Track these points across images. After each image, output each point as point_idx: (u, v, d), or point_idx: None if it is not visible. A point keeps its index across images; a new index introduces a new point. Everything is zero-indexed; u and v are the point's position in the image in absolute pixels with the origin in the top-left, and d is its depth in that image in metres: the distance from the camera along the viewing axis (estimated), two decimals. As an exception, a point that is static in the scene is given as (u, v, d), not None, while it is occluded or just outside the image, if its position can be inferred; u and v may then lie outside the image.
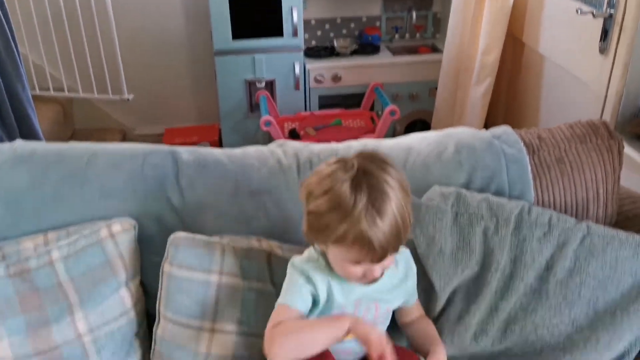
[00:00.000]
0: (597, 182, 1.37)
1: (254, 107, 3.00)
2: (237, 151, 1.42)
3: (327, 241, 1.02)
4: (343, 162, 1.03)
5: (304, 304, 1.07)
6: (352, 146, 1.43)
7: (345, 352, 1.12)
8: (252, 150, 1.43)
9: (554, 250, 1.22)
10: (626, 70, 1.92)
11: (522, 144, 1.40)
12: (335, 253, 1.03)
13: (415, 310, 1.23)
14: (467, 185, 1.34)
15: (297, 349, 1.02)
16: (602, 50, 2.00)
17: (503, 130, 1.45)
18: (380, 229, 0.97)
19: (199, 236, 1.22)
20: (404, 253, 1.20)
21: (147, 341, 1.30)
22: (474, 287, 1.24)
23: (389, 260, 1.03)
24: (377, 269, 1.03)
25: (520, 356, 1.22)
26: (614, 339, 1.17)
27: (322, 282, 1.08)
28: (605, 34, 1.98)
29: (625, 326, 1.17)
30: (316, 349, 1.03)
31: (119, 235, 1.23)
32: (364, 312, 1.12)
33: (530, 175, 1.36)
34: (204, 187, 1.32)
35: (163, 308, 1.22)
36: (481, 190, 1.34)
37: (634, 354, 1.19)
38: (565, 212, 1.35)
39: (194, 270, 1.19)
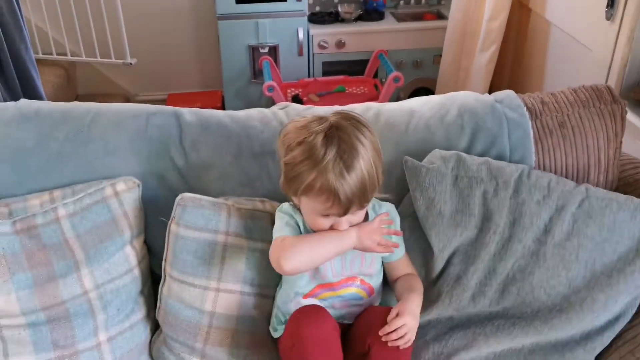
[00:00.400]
0: (598, 147, 1.37)
1: (257, 73, 2.99)
2: (240, 113, 1.43)
3: (298, 191, 1.09)
4: (318, 117, 1.11)
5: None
6: (355, 108, 1.44)
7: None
8: (255, 112, 1.44)
9: (552, 213, 1.24)
10: (632, 36, 1.91)
11: (525, 108, 1.40)
12: (305, 204, 1.11)
13: (402, 266, 1.25)
14: (469, 149, 1.35)
15: (308, 258, 1.09)
16: (609, 17, 1.98)
17: (506, 94, 1.45)
18: (347, 181, 1.03)
19: (205, 197, 1.23)
20: (385, 207, 1.23)
21: (151, 299, 1.33)
22: (473, 249, 1.26)
23: (356, 216, 1.10)
24: (343, 222, 1.10)
25: (517, 317, 1.24)
26: (610, 300, 1.19)
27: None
28: (612, 1, 1.96)
29: (622, 287, 1.19)
30: (326, 258, 1.11)
31: (123, 194, 1.25)
32: (350, 262, 1.18)
33: (532, 140, 1.36)
34: (207, 149, 1.33)
35: (169, 267, 1.24)
36: (482, 153, 1.35)
37: (629, 315, 1.22)
38: (566, 177, 1.36)
39: (201, 231, 1.21)
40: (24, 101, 1.37)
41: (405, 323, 1.08)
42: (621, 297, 1.19)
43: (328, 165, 1.04)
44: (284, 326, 1.19)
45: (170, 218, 1.23)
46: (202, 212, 1.22)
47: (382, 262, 1.24)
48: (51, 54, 2.89)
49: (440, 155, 1.29)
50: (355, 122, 1.11)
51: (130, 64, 2.86)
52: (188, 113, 1.38)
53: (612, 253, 1.20)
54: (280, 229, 1.16)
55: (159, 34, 3.19)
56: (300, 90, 2.90)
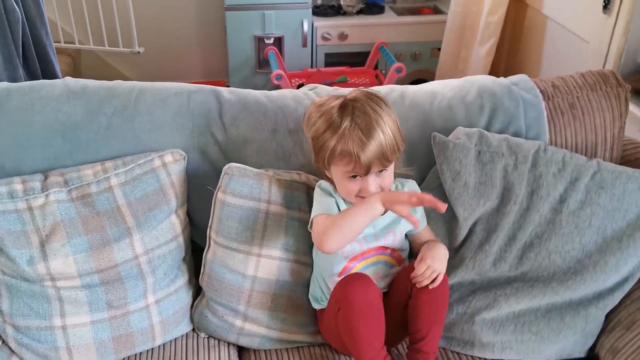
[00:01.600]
0: (605, 126, 1.49)
1: (262, 63, 3.07)
2: (274, 93, 1.51)
3: (326, 161, 1.21)
4: (335, 96, 1.25)
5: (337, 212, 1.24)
6: (381, 90, 1.53)
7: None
8: (287, 92, 1.53)
9: (567, 184, 1.35)
10: (628, 28, 2.04)
11: (538, 90, 1.51)
12: (334, 172, 1.22)
13: (425, 235, 1.35)
14: (488, 127, 1.46)
15: (345, 235, 1.17)
16: (605, 9, 2.11)
17: (520, 78, 1.56)
18: (364, 142, 1.15)
19: (249, 168, 1.31)
20: (408, 184, 1.33)
21: (192, 266, 1.41)
22: (494, 218, 1.36)
23: (383, 178, 1.20)
24: (370, 183, 1.19)
25: (535, 280, 1.35)
26: (621, 262, 1.30)
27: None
28: (608, -6, 2.09)
29: (632, 251, 1.30)
30: (360, 229, 1.18)
31: (170, 165, 1.32)
32: (384, 240, 1.29)
33: (546, 119, 1.47)
34: (246, 125, 1.42)
35: (214, 234, 1.32)
36: (501, 131, 1.45)
37: (637, 276, 1.33)
38: (577, 153, 1.47)
39: (245, 199, 1.29)
40: (69, 79, 1.43)
41: (429, 265, 1.20)
42: (630, 260, 1.31)
43: (345, 131, 1.16)
44: (326, 301, 1.29)
45: (217, 187, 1.31)
46: (247, 181, 1.30)
47: (407, 236, 1.34)
48: (59, 42, 2.93)
49: (464, 132, 1.39)
50: (369, 94, 1.23)
51: (139, 52, 2.92)
52: (226, 92, 1.46)
53: (622, 220, 1.32)
54: (319, 208, 1.25)
55: (166, 24, 3.25)
56: (304, 80, 2.99)
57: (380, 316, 1.20)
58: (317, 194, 1.29)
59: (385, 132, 1.18)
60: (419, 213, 1.33)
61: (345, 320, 1.18)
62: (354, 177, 1.20)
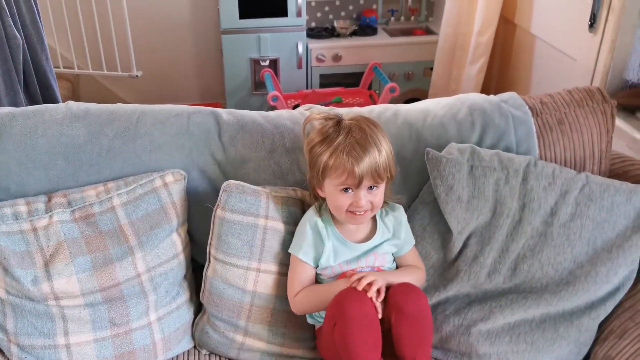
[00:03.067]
0: (592, 141, 1.53)
1: (257, 84, 3.13)
2: (271, 113, 1.56)
3: (320, 174, 1.26)
4: (332, 115, 1.31)
5: (313, 253, 1.31)
6: (374, 109, 1.58)
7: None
8: (284, 112, 1.57)
9: (557, 197, 1.38)
10: (613, 46, 2.10)
11: (527, 107, 1.56)
12: (327, 185, 1.27)
13: (409, 260, 1.38)
14: (479, 143, 1.50)
15: (315, 307, 1.32)
16: (591, 28, 2.18)
17: (509, 95, 1.61)
18: (358, 154, 1.21)
19: (247, 184, 1.35)
20: (396, 211, 1.37)
21: (193, 284, 1.44)
22: (487, 231, 1.40)
23: (374, 196, 1.25)
24: (362, 197, 1.23)
25: (529, 291, 1.38)
26: (611, 272, 1.34)
27: (328, 241, 1.31)
28: (594, 14, 2.15)
29: (621, 261, 1.34)
30: (328, 302, 1.25)
31: (171, 185, 1.36)
32: (365, 261, 1.32)
33: (535, 135, 1.52)
34: (244, 144, 1.45)
35: (214, 250, 1.35)
36: (492, 147, 1.50)
37: (628, 286, 1.36)
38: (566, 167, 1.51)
39: (244, 214, 1.33)
40: (72, 102, 1.47)
41: (370, 274, 1.25)
42: (621, 270, 1.34)
43: (340, 145, 1.22)
44: (319, 317, 1.33)
45: (216, 204, 1.34)
46: (245, 197, 1.33)
47: (394, 256, 1.38)
48: (58, 67, 2.98)
49: (456, 148, 1.43)
50: (365, 117, 1.29)
51: (137, 76, 2.97)
52: (225, 113, 1.51)
53: (611, 231, 1.36)
54: (293, 244, 1.33)
55: (163, 48, 3.31)
56: (299, 101, 3.04)
57: (376, 330, 1.21)
58: (299, 231, 1.34)
59: (380, 150, 1.23)
60: (403, 236, 1.36)
61: (341, 335, 1.20)
62: (346, 190, 1.24)
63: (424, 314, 1.23)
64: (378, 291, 1.23)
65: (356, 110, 1.58)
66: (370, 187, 1.24)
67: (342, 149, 1.21)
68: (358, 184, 1.22)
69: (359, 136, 1.22)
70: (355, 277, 1.25)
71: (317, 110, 1.56)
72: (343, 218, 1.28)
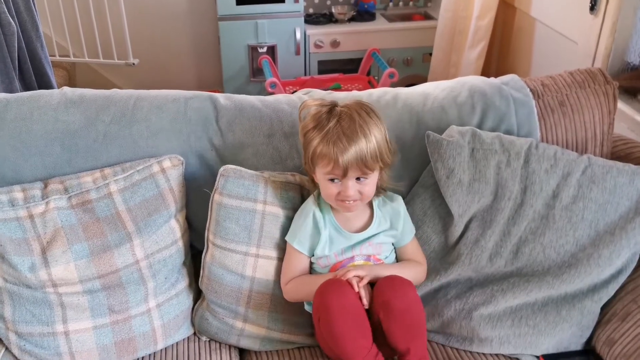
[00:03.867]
0: (594, 123, 1.52)
1: (255, 72, 3.10)
2: (269, 98, 1.54)
3: (310, 161, 1.24)
4: (330, 97, 1.29)
5: (309, 243, 1.30)
6: (373, 93, 1.56)
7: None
8: (282, 97, 1.55)
9: (559, 180, 1.37)
10: (614, 28, 2.08)
11: (528, 89, 1.54)
12: (318, 173, 1.25)
13: (408, 252, 1.37)
14: (480, 126, 1.48)
15: (304, 297, 1.32)
16: (592, 10, 2.15)
17: (510, 77, 1.59)
18: (344, 145, 1.18)
19: (244, 169, 1.33)
20: (394, 202, 1.35)
21: (192, 270, 1.43)
22: (489, 214, 1.38)
23: (363, 185, 1.22)
24: (349, 186, 1.21)
25: (530, 274, 1.37)
26: (614, 254, 1.33)
27: (324, 231, 1.30)
28: (595, -4, 2.13)
29: (624, 243, 1.33)
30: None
31: (169, 170, 1.34)
32: (360, 249, 1.31)
33: (536, 117, 1.50)
34: (242, 129, 1.44)
35: (212, 236, 1.34)
36: (492, 130, 1.48)
37: (631, 268, 1.36)
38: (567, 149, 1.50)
39: (242, 200, 1.31)
40: (67, 88, 1.45)
41: (356, 270, 1.24)
42: (623, 252, 1.33)
43: (329, 132, 1.20)
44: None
45: (214, 189, 1.33)
46: (243, 182, 1.32)
47: (394, 246, 1.36)
48: (54, 55, 2.95)
49: (457, 130, 1.42)
50: (361, 104, 1.26)
51: (133, 64, 2.95)
52: (222, 97, 1.49)
53: (614, 213, 1.34)
54: (290, 233, 1.32)
55: (160, 36, 3.28)
56: (298, 87, 3.01)
57: (361, 316, 1.19)
58: (297, 214, 1.33)
59: (369, 140, 1.20)
60: (401, 227, 1.34)
61: (327, 327, 1.19)
62: (333, 180, 1.23)
63: (412, 307, 1.20)
64: (360, 278, 1.22)
65: (354, 95, 1.56)
66: (358, 178, 1.22)
67: (329, 138, 1.19)
68: (343, 175, 1.21)
69: (346, 125, 1.20)
70: (342, 272, 1.24)
71: (316, 96, 1.54)
72: (335, 205, 1.27)
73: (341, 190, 1.23)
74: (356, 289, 1.20)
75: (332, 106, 1.25)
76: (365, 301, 1.21)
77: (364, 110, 1.24)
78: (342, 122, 1.20)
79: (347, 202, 1.24)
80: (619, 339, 1.30)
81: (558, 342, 1.35)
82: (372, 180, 1.25)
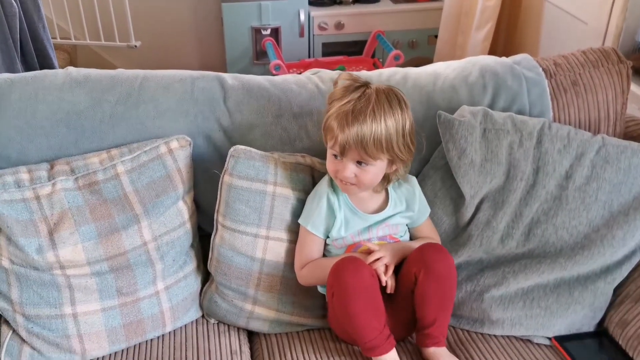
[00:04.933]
0: (607, 102, 1.49)
1: (259, 54, 3.06)
2: (277, 78, 1.51)
3: (323, 128, 1.23)
4: (367, 76, 1.26)
5: (324, 225, 1.27)
6: (383, 73, 1.54)
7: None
8: (290, 77, 1.53)
9: (572, 160, 1.35)
10: (625, 7, 2.04)
11: (541, 68, 1.51)
12: (327, 145, 1.23)
13: (424, 231, 1.36)
14: (492, 106, 1.46)
15: (321, 281, 1.29)
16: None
17: (522, 57, 1.57)
18: (348, 125, 1.16)
19: (254, 150, 1.31)
20: (404, 187, 1.33)
21: (200, 253, 1.41)
22: (501, 195, 1.37)
23: (364, 172, 1.20)
24: (347, 167, 1.19)
25: (542, 256, 1.35)
26: (628, 235, 1.31)
27: (339, 212, 1.27)
28: (606, -26, 2.09)
29: (638, 224, 1.31)
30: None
31: (176, 151, 1.32)
32: (377, 231, 1.30)
33: (549, 97, 1.48)
34: (250, 109, 1.42)
35: (222, 217, 1.32)
36: (504, 110, 1.46)
37: (644, 250, 1.34)
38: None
39: (252, 181, 1.29)
40: (72, 68, 1.43)
41: (379, 249, 1.23)
42: (638, 233, 1.31)
43: (341, 108, 1.18)
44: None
45: (223, 170, 1.31)
46: (253, 163, 1.30)
47: (408, 227, 1.35)
48: (55, 38, 2.91)
49: (469, 110, 1.39)
50: (391, 90, 1.22)
51: (135, 46, 2.91)
52: (229, 77, 1.46)
53: (628, 194, 1.32)
54: (302, 216, 1.30)
55: (162, 17, 3.24)
56: (302, 70, 2.98)
57: (376, 296, 1.19)
58: (309, 196, 1.31)
59: (377, 126, 1.16)
60: (417, 208, 1.33)
61: (340, 305, 1.19)
62: (336, 156, 1.21)
63: (452, 276, 1.23)
64: (386, 266, 1.22)
65: (389, 74, 1.52)
66: (360, 162, 1.19)
67: (340, 113, 1.18)
68: (341, 153, 1.19)
69: (360, 106, 1.17)
70: (370, 258, 1.22)
71: (325, 75, 1.52)
72: (335, 181, 1.26)
73: (339, 168, 1.21)
74: (383, 281, 1.21)
75: (363, 85, 1.22)
76: (390, 289, 1.23)
77: (388, 96, 1.20)
78: (359, 101, 1.18)
79: (343, 182, 1.23)
80: (632, 320, 1.28)
81: (570, 324, 1.34)
82: (373, 169, 1.21)
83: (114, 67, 3.29)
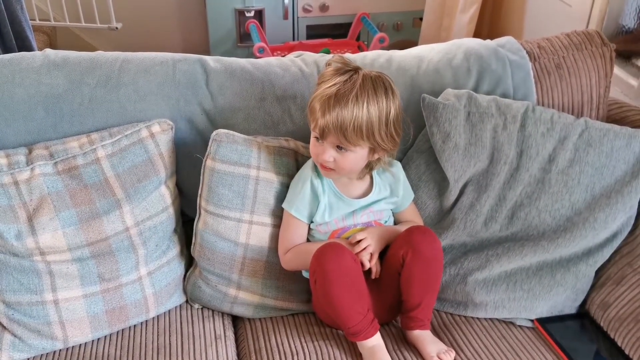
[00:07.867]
0: (591, 86, 1.50)
1: (243, 37, 3.03)
2: (260, 61, 1.49)
3: (309, 110, 1.22)
4: (356, 65, 1.21)
5: (307, 210, 1.27)
6: (367, 56, 1.52)
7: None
8: (274, 59, 1.51)
9: (556, 143, 1.35)
10: (610, -10, 2.04)
11: (525, 51, 1.51)
12: (311, 130, 1.22)
13: (407, 215, 1.36)
14: (476, 89, 1.46)
15: (304, 266, 1.28)
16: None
17: (506, 40, 1.56)
18: (329, 109, 1.14)
19: (237, 134, 1.30)
20: (389, 172, 1.32)
21: (183, 238, 1.40)
22: (484, 178, 1.37)
23: (343, 158, 1.19)
24: (326, 151, 1.18)
25: (525, 239, 1.36)
26: (610, 218, 1.32)
27: (324, 197, 1.27)
28: (591, -44, 2.09)
29: (620, 207, 1.32)
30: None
31: (158, 135, 1.30)
32: (361, 216, 1.29)
33: (533, 80, 1.48)
34: (233, 93, 1.40)
35: (204, 202, 1.31)
36: (488, 93, 1.45)
37: (626, 232, 1.35)
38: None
39: (235, 165, 1.28)
40: (49, 50, 1.40)
41: (365, 237, 1.22)
42: (619, 216, 1.32)
43: (325, 91, 1.16)
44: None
45: (206, 154, 1.29)
46: (236, 147, 1.29)
47: (392, 211, 1.35)
48: (34, 19, 2.85)
49: (453, 94, 1.39)
50: (379, 77, 1.19)
51: (116, 28, 2.86)
52: (211, 60, 1.44)
53: (610, 177, 1.33)
54: (286, 201, 1.29)
55: (143, 0, 3.18)
56: (286, 52, 2.95)
57: (359, 281, 1.20)
58: (293, 180, 1.30)
59: (358, 111, 1.14)
60: (401, 194, 1.33)
61: (323, 290, 1.19)
62: (318, 139, 1.20)
63: (438, 258, 1.24)
64: (371, 255, 1.22)
65: (373, 57, 1.50)
66: (339, 147, 1.18)
67: (323, 96, 1.16)
68: (322, 136, 1.18)
69: (344, 90, 1.15)
70: (356, 249, 1.22)
71: (308, 58, 1.50)
72: (319, 167, 1.25)
73: (320, 152, 1.20)
74: (366, 267, 1.21)
75: (353, 69, 1.19)
76: (374, 275, 1.23)
77: (375, 83, 1.17)
78: (344, 85, 1.15)
79: (323, 166, 1.22)
80: (614, 302, 1.30)
81: (552, 306, 1.35)
82: (353, 155, 1.19)
83: (94, 50, 3.25)
